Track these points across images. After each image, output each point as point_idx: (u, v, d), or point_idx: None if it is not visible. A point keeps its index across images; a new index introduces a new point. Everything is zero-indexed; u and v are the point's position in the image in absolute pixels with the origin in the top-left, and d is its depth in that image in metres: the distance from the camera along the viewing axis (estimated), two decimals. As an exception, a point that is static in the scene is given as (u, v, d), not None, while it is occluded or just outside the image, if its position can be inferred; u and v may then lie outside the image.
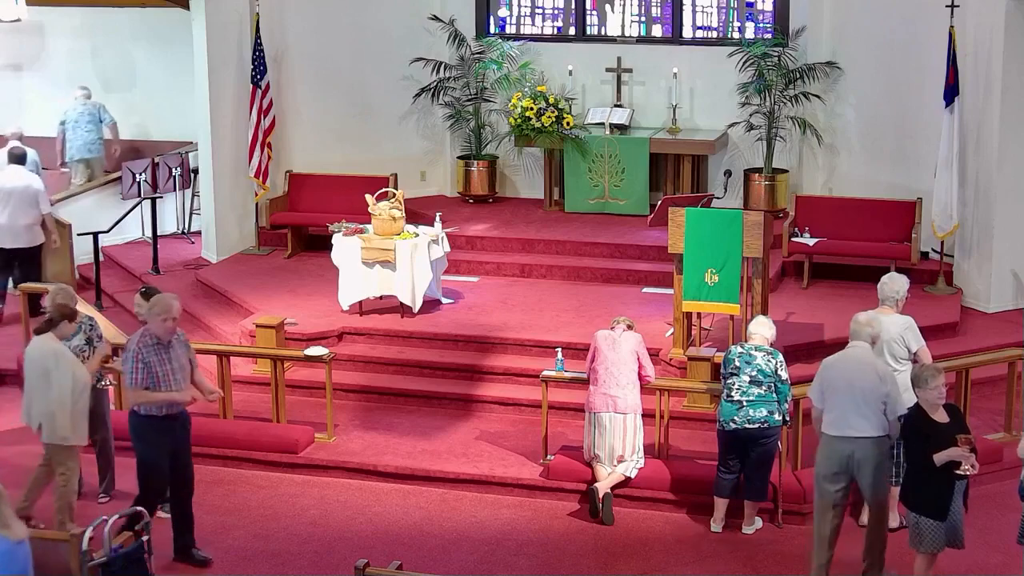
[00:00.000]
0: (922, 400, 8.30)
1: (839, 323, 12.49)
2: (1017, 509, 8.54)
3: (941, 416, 8.27)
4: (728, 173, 12.84)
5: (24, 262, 14.22)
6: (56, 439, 9.57)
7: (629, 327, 10.32)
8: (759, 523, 10.00)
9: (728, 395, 9.76)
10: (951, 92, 13.20)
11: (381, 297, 12.97)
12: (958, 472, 8.21)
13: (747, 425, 9.68)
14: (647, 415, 10.44)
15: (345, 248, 12.92)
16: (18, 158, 14.39)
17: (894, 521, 9.49)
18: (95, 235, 14.37)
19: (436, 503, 10.47)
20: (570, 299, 13.43)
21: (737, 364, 9.77)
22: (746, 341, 9.94)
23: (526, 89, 15.90)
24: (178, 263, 15.26)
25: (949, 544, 8.45)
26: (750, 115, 15.29)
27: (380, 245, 12.77)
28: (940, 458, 8.13)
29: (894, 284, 9.83)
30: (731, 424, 9.71)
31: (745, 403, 9.70)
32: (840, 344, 12.09)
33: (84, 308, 11.37)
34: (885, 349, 9.62)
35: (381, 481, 10.80)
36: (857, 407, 8.79)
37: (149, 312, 9.32)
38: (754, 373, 9.71)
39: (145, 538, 8.32)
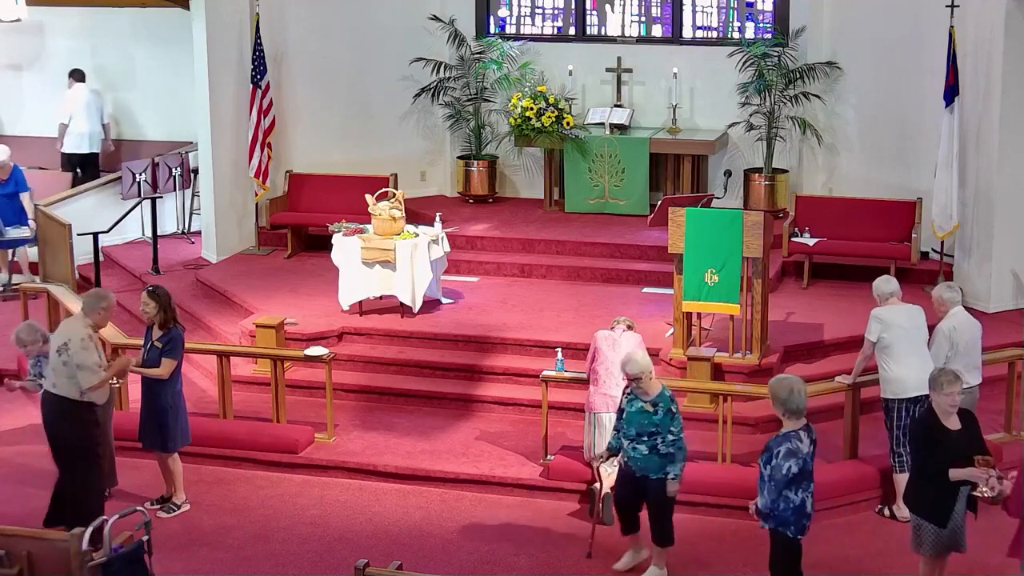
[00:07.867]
0: (936, 404, 8.19)
1: (839, 323, 12.51)
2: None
3: (953, 423, 8.16)
4: (728, 173, 12.83)
5: (89, 165, 16.81)
6: None
7: (629, 327, 10.31)
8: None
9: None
10: (951, 92, 13.19)
11: (381, 297, 12.96)
12: (974, 493, 8.06)
13: None
14: (647, 415, 10.42)
15: (345, 248, 12.92)
16: (80, 76, 16.81)
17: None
18: (95, 235, 14.36)
19: (436, 503, 10.47)
20: (570, 299, 13.42)
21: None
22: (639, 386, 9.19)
23: (526, 89, 15.90)
24: (178, 263, 15.23)
25: (950, 549, 8.40)
26: (750, 115, 15.28)
27: (380, 245, 12.77)
28: (956, 475, 8.02)
29: (889, 286, 10.23)
30: None
31: None
32: (840, 343, 12.18)
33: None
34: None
35: (381, 481, 10.79)
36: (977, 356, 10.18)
37: None
38: None
39: (145, 538, 8.31)
